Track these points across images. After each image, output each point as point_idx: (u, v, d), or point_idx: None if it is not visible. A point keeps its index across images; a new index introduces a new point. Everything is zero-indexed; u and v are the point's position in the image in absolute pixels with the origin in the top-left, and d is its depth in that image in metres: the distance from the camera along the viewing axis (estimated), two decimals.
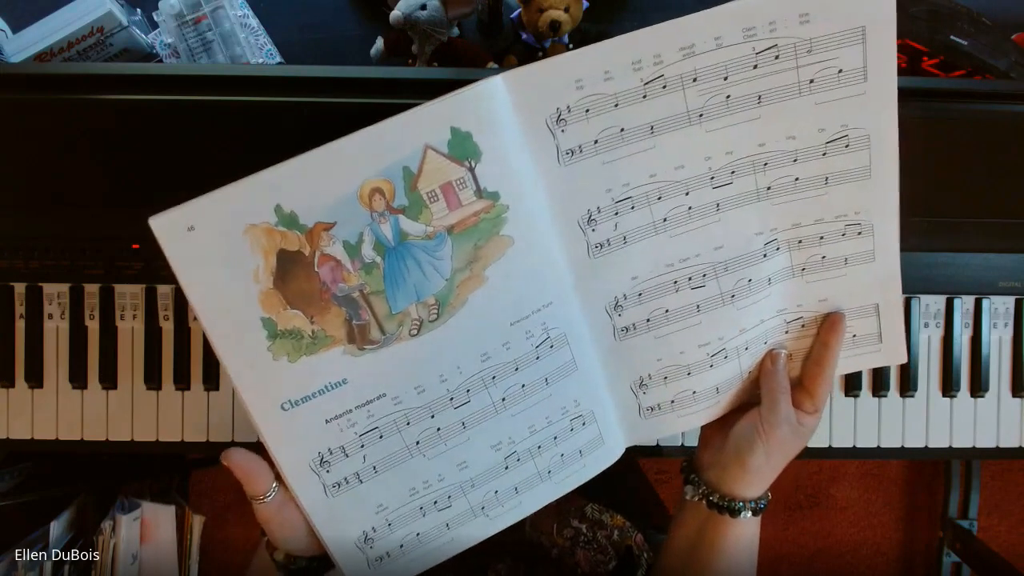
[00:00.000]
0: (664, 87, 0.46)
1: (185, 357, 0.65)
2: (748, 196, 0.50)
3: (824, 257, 0.52)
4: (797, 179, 0.50)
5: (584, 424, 0.53)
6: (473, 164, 0.44)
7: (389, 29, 0.69)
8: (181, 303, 0.65)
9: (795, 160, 0.49)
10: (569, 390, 0.51)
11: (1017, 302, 0.68)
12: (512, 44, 0.76)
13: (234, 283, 0.44)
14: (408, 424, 0.48)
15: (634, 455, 0.60)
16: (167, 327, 0.65)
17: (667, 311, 0.51)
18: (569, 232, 0.49)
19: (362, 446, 0.48)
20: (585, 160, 0.47)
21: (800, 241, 0.52)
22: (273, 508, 0.48)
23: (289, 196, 0.43)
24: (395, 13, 0.67)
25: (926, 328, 0.68)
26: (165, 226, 0.42)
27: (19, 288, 0.64)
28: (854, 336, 0.55)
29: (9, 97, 0.60)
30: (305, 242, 0.44)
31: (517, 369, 0.49)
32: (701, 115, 0.47)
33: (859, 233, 0.52)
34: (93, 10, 0.70)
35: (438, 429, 0.49)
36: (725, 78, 0.46)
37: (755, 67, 0.46)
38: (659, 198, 0.49)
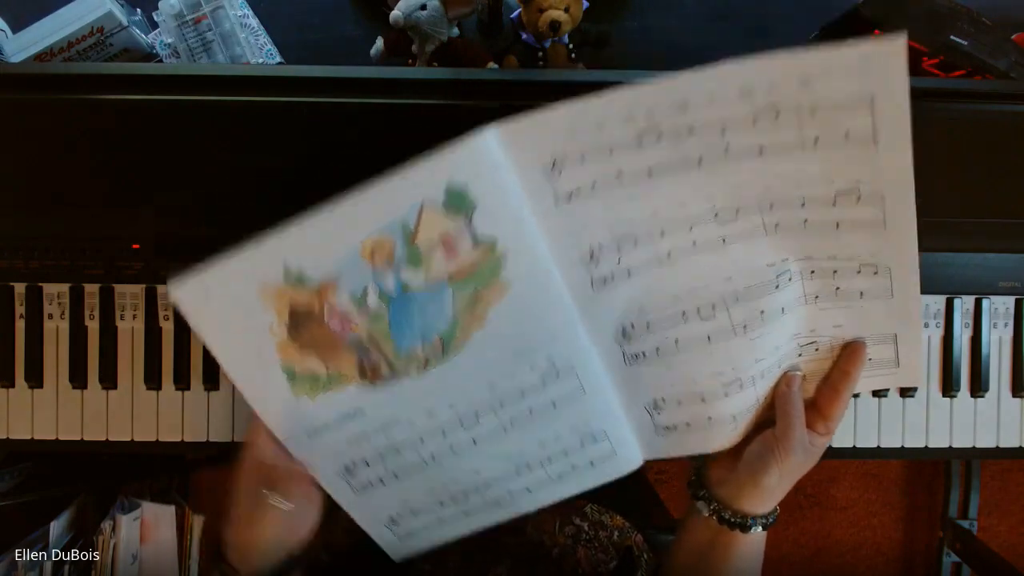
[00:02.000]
0: (658, 138, 0.44)
1: (185, 357, 0.65)
2: (756, 230, 0.48)
3: (839, 288, 0.50)
4: (806, 221, 0.47)
5: (595, 440, 0.54)
6: (469, 215, 0.45)
7: (389, 29, 0.69)
8: None
9: (803, 205, 0.47)
10: (577, 412, 0.52)
11: (1017, 302, 0.68)
12: (512, 44, 0.76)
13: (253, 338, 0.48)
14: (422, 441, 0.52)
15: None
16: (167, 327, 0.65)
17: (676, 341, 0.50)
18: (571, 269, 0.48)
19: (382, 457, 0.52)
20: (583, 202, 0.46)
21: (813, 271, 0.50)
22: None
23: (295, 257, 0.46)
24: (395, 13, 0.67)
25: (926, 328, 0.67)
26: (186, 294, 0.46)
27: (19, 288, 0.64)
28: (870, 359, 0.53)
29: (9, 97, 0.60)
30: (314, 297, 0.47)
31: (523, 395, 0.51)
32: (700, 161, 0.45)
33: (875, 273, 0.49)
34: (93, 10, 0.71)
35: (450, 445, 0.52)
36: (723, 132, 0.44)
37: (754, 123, 0.44)
38: (662, 234, 0.47)
